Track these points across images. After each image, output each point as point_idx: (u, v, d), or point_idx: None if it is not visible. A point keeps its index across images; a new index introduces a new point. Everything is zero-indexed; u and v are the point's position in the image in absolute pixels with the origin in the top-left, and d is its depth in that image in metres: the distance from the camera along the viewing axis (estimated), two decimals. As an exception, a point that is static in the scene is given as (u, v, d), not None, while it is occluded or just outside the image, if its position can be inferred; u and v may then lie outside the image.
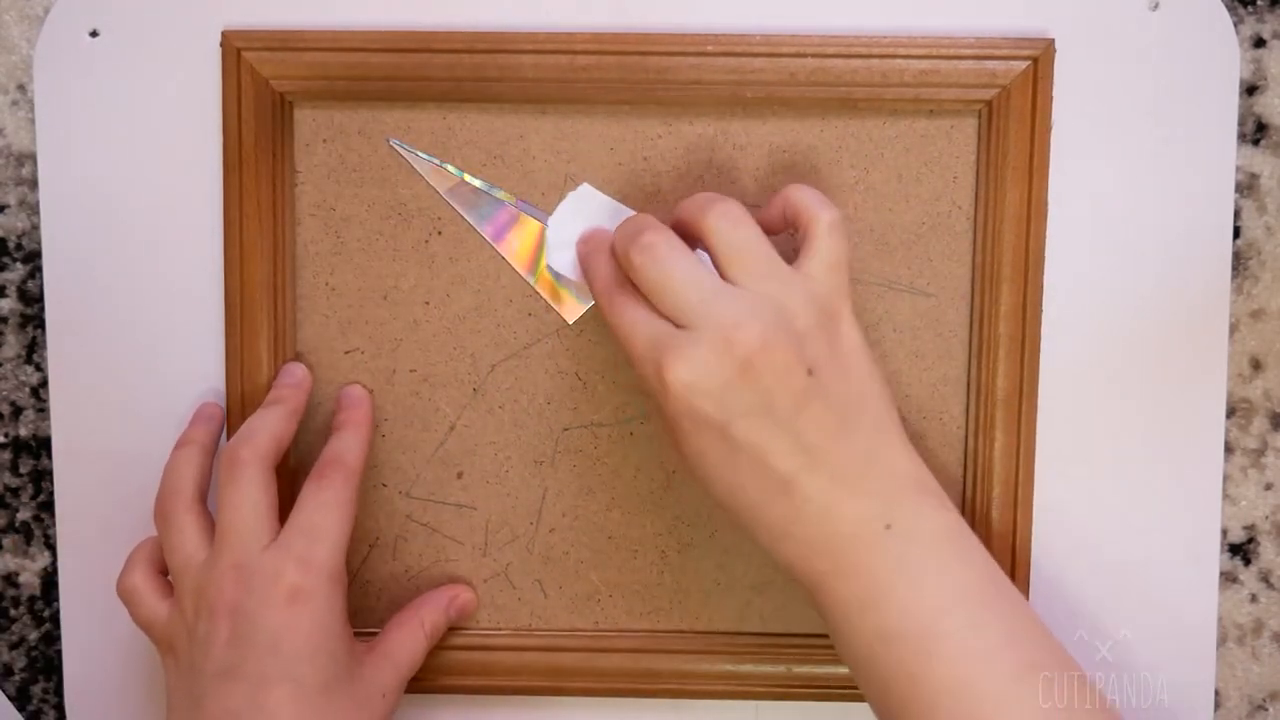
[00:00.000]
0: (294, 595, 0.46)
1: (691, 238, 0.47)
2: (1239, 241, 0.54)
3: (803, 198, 0.47)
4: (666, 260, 0.45)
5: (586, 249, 0.50)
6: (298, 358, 0.53)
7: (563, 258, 0.51)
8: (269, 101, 0.51)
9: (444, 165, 0.53)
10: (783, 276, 0.45)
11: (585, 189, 0.52)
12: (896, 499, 0.45)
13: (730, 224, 0.46)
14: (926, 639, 0.44)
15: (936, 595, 0.44)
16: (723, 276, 0.45)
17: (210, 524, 0.49)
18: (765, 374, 0.44)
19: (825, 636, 0.54)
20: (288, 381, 0.52)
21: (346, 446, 0.50)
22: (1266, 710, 0.56)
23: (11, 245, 0.54)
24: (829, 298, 0.46)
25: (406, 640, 0.51)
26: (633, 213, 0.51)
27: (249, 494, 0.48)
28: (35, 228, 0.54)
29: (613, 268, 0.47)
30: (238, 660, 0.46)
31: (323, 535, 0.48)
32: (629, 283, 0.46)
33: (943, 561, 0.45)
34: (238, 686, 0.46)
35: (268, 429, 0.49)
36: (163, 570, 0.50)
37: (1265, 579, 0.56)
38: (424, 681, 0.54)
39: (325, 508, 0.48)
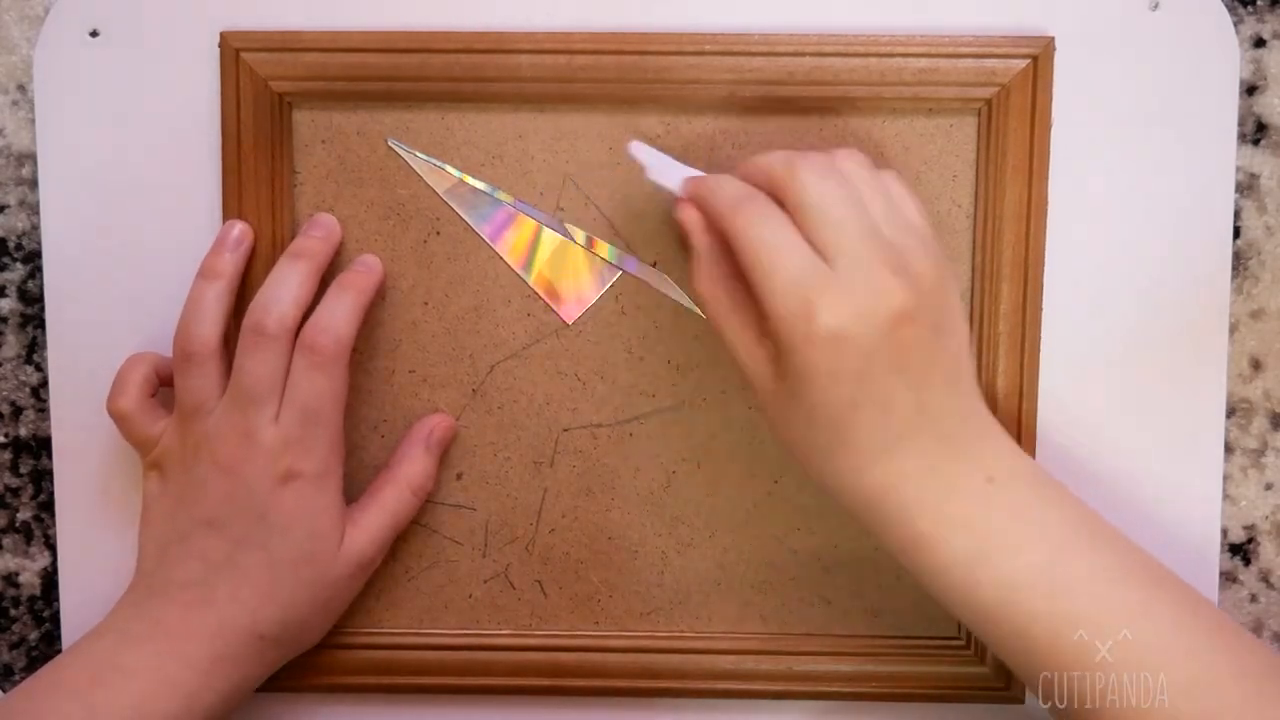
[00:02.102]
0: (288, 477, 0.49)
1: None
2: (1239, 241, 0.54)
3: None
4: (836, 186, 0.45)
5: (698, 178, 0.48)
6: (297, 358, 0.53)
7: (661, 170, 0.49)
8: (268, 102, 0.51)
9: (442, 165, 0.53)
10: (911, 227, 0.46)
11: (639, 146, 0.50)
12: (990, 452, 0.46)
13: (861, 166, 0.46)
14: (1054, 579, 0.44)
15: (1052, 537, 0.45)
16: None
17: (228, 370, 0.50)
18: (906, 333, 0.44)
19: (825, 636, 0.54)
20: (316, 233, 0.52)
21: (339, 314, 0.50)
22: (1267, 710, 0.56)
23: (11, 245, 0.55)
24: (937, 250, 0.46)
25: (389, 505, 0.52)
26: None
27: (270, 366, 0.49)
28: (35, 228, 0.54)
29: (747, 186, 0.46)
30: (226, 516, 0.49)
31: (322, 420, 0.49)
32: (772, 202, 0.45)
33: (1045, 505, 0.46)
34: (220, 540, 0.49)
35: (292, 294, 0.49)
36: (152, 392, 0.51)
37: (1265, 579, 0.56)
38: (424, 681, 0.54)
39: (321, 393, 0.49)
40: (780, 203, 0.45)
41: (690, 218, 0.47)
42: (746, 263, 0.45)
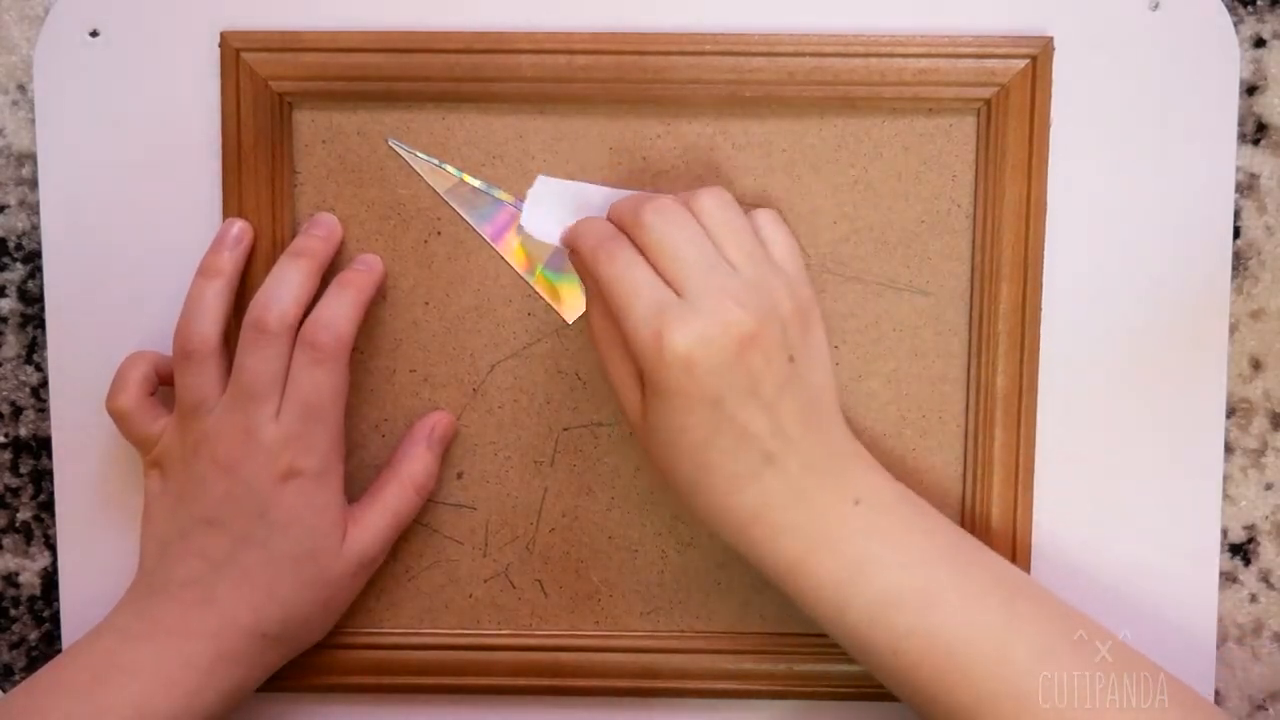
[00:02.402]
0: (288, 474, 0.49)
1: None
2: (1239, 241, 0.54)
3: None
4: (680, 224, 0.46)
5: (577, 222, 0.50)
6: (297, 358, 0.53)
7: (540, 224, 0.51)
8: (268, 102, 0.51)
9: (443, 165, 0.53)
10: (768, 263, 0.47)
11: (544, 179, 0.52)
12: (856, 476, 0.47)
13: (722, 206, 0.47)
14: (925, 594, 0.46)
15: (921, 553, 0.47)
16: None
17: (228, 368, 0.50)
18: (757, 356, 0.45)
19: (825, 636, 0.54)
20: (317, 232, 0.52)
21: (340, 312, 0.50)
22: (1266, 710, 0.56)
23: (11, 245, 0.55)
24: (803, 288, 0.48)
25: (390, 503, 0.52)
26: (600, 188, 0.52)
27: (271, 363, 0.49)
28: (35, 228, 0.54)
29: (608, 226, 0.48)
30: (227, 514, 0.49)
31: (322, 417, 0.49)
32: (628, 242, 0.47)
33: (913, 523, 0.48)
34: (221, 538, 0.49)
35: (293, 292, 0.50)
36: (152, 390, 0.51)
37: (1265, 579, 0.56)
38: (424, 681, 0.54)
39: (321, 389, 0.49)
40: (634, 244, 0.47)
41: (574, 259, 0.49)
42: (608, 299, 0.46)
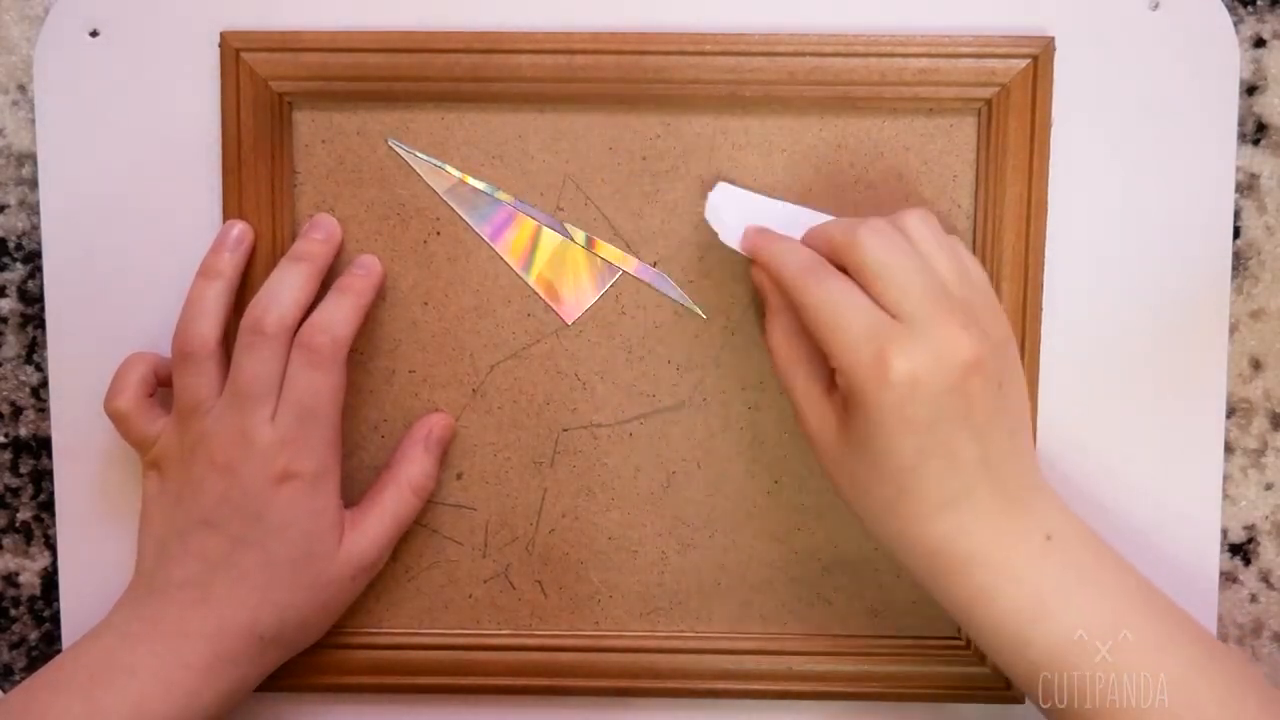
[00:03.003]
0: (284, 477, 0.49)
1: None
2: (1239, 241, 0.54)
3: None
4: (897, 246, 0.46)
5: (764, 237, 0.49)
6: (297, 358, 0.53)
7: (721, 228, 0.50)
8: (268, 102, 0.51)
9: (442, 165, 0.53)
10: (976, 286, 0.47)
11: (724, 187, 0.51)
12: (1048, 511, 0.47)
13: (930, 228, 0.47)
14: (1113, 638, 0.45)
15: (1110, 595, 0.46)
16: None
17: (226, 370, 0.50)
18: (977, 381, 0.44)
19: (825, 636, 0.54)
20: (316, 236, 0.52)
21: (338, 315, 0.50)
22: (1267, 710, 0.56)
23: (11, 245, 0.55)
24: (1002, 313, 0.48)
25: (389, 506, 0.52)
26: (781, 202, 0.51)
27: (268, 365, 0.49)
28: (35, 228, 0.54)
29: (808, 250, 0.47)
30: (224, 516, 0.49)
31: (319, 419, 0.49)
32: (833, 267, 0.46)
33: (1102, 564, 0.47)
34: (218, 539, 0.49)
35: (292, 295, 0.50)
36: (150, 391, 0.51)
37: (1265, 579, 0.56)
38: (424, 681, 0.54)
39: (317, 392, 0.49)
40: (844, 268, 0.46)
41: (761, 277, 0.49)
42: (813, 323, 0.45)
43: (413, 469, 0.52)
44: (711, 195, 0.51)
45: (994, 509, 0.46)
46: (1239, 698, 0.44)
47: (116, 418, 0.51)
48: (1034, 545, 0.46)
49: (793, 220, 0.50)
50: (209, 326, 0.50)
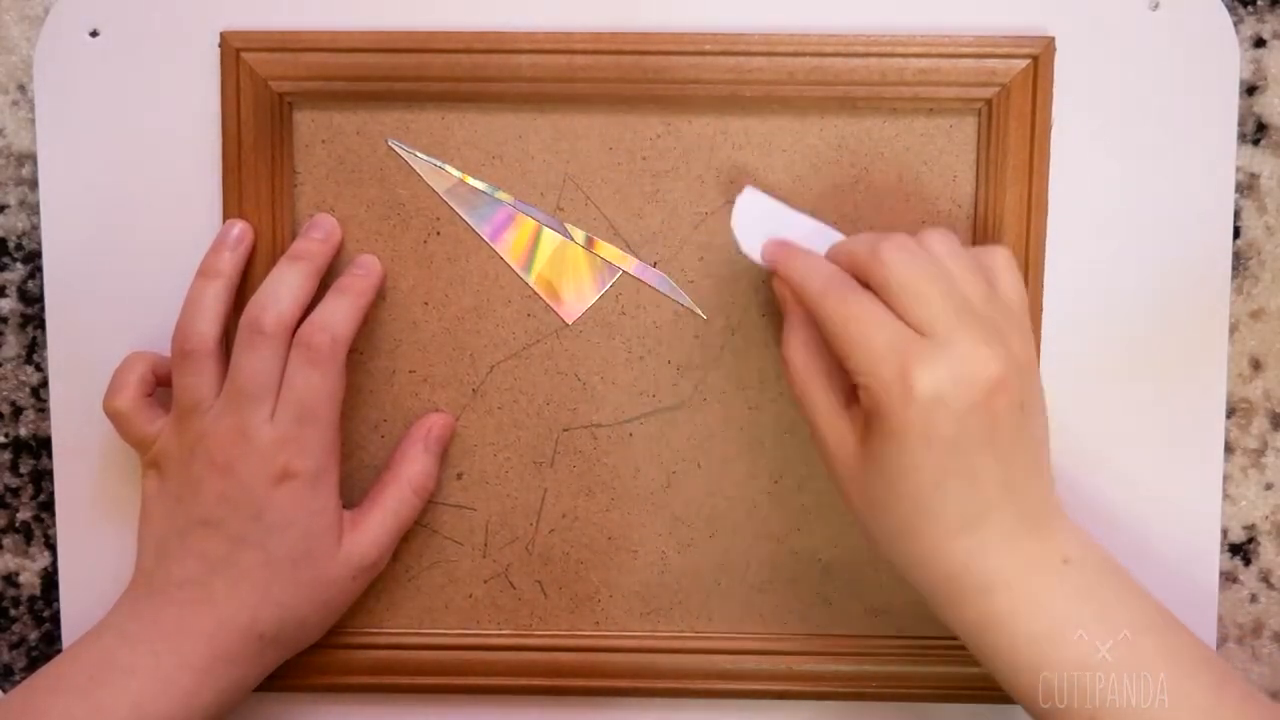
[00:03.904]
0: (283, 476, 0.49)
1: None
2: (1239, 241, 0.54)
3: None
4: (923, 262, 0.45)
5: (786, 250, 0.49)
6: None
7: (743, 238, 0.50)
8: (268, 102, 0.51)
9: (442, 165, 0.53)
10: (1004, 305, 0.46)
11: (751, 192, 0.51)
12: (1066, 534, 0.46)
13: (952, 248, 0.46)
14: (1131, 664, 0.44)
15: (1128, 621, 0.45)
16: None
17: (225, 369, 0.50)
18: (1002, 400, 0.44)
19: (825, 636, 0.54)
20: (315, 235, 0.52)
21: (338, 315, 0.50)
22: (1267, 710, 0.56)
23: (11, 245, 0.55)
24: (1029, 332, 0.47)
25: (390, 506, 0.52)
26: (806, 216, 0.51)
27: (267, 364, 0.49)
28: (35, 228, 0.54)
29: (831, 265, 0.47)
30: (223, 516, 0.49)
31: (317, 419, 0.49)
32: (856, 283, 0.46)
33: (1121, 590, 0.46)
34: (217, 539, 0.49)
35: (292, 293, 0.50)
36: (149, 391, 0.51)
37: (1265, 579, 0.56)
38: (424, 681, 0.54)
39: (316, 391, 0.49)
40: (867, 285, 0.46)
41: (783, 290, 0.48)
42: (835, 338, 0.45)
43: (413, 468, 0.52)
44: (739, 200, 0.50)
45: (1014, 532, 0.45)
46: None
47: (115, 417, 0.51)
48: (1052, 568, 0.45)
49: (816, 236, 0.49)
50: (208, 325, 0.50)
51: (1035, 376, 0.47)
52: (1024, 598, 0.45)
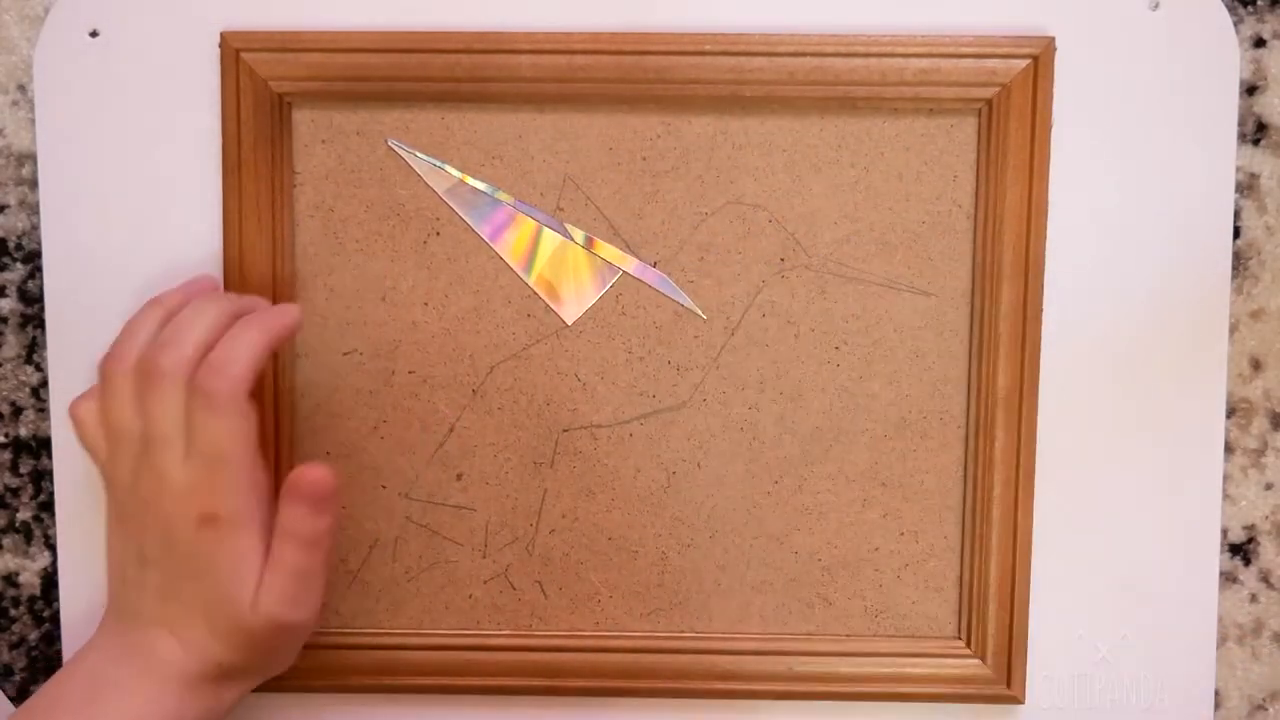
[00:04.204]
0: (203, 520, 0.47)
1: None
2: (1239, 241, 0.54)
3: None
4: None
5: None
6: (296, 359, 0.53)
7: None
8: (268, 102, 0.51)
9: (442, 165, 0.53)
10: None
11: None
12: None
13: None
14: None
15: None
16: None
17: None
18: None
19: (825, 636, 0.54)
20: (202, 286, 0.51)
21: (237, 351, 0.47)
22: (1266, 710, 0.56)
23: (11, 245, 0.54)
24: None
25: (285, 562, 0.47)
26: None
27: (169, 409, 0.47)
28: (35, 228, 0.54)
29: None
30: (157, 554, 0.48)
31: (227, 461, 0.46)
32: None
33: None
34: (157, 574, 0.48)
35: (196, 335, 0.47)
36: None
37: (1265, 579, 0.56)
38: (424, 681, 0.54)
39: (219, 438, 0.46)
40: None
41: None
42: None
43: (291, 519, 0.48)
44: None
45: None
46: None
47: (75, 419, 0.49)
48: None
49: None
50: (133, 352, 0.48)
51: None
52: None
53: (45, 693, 0.48)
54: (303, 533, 0.47)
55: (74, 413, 0.49)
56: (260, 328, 0.47)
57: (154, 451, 0.47)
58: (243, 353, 0.47)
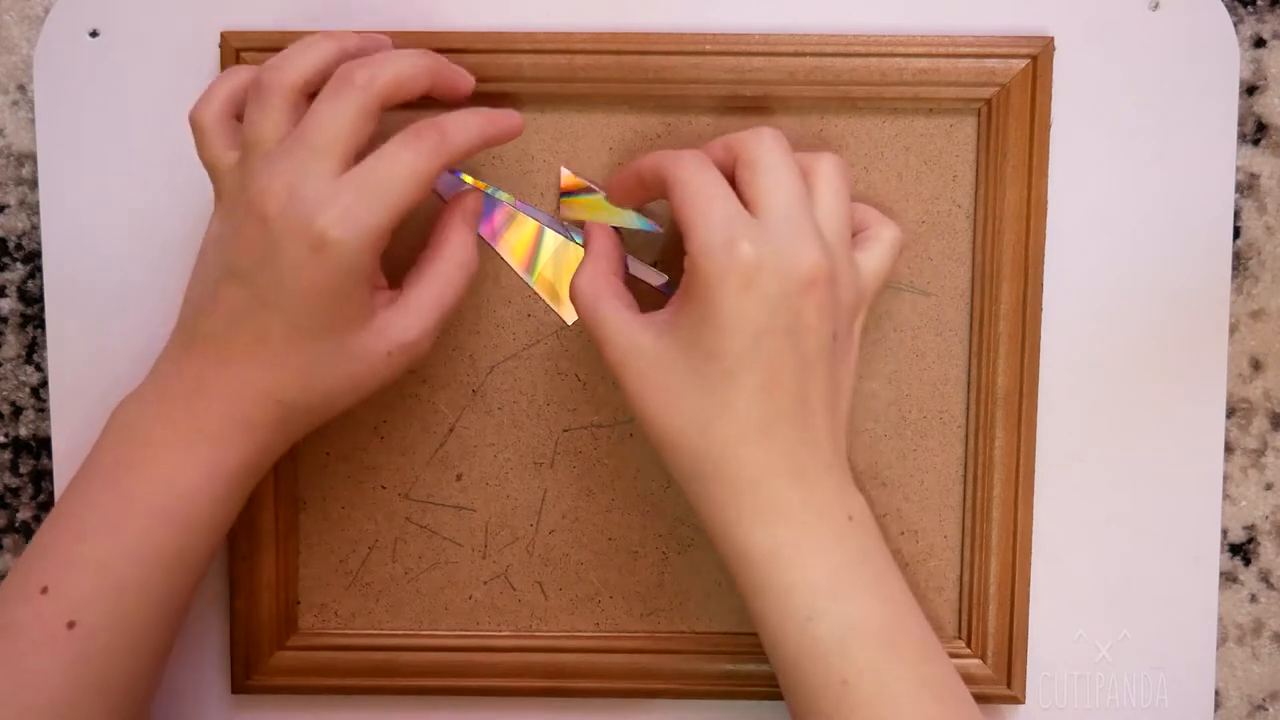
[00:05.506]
0: (319, 245, 0.44)
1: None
2: (1239, 241, 0.54)
3: (871, 211, 0.50)
4: (781, 148, 0.46)
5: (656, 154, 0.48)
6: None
7: None
8: (268, 102, 0.51)
9: (443, 165, 0.52)
10: (848, 244, 0.47)
11: None
12: (852, 493, 0.46)
13: (842, 178, 0.47)
14: (892, 634, 0.44)
15: (894, 592, 0.46)
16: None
17: (299, 118, 0.46)
18: (810, 303, 0.44)
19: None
20: (381, 43, 0.49)
21: (457, 124, 0.46)
22: (1266, 710, 0.56)
23: (11, 245, 0.55)
24: (865, 292, 0.48)
25: (434, 283, 0.48)
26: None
27: (348, 117, 0.44)
28: (35, 228, 0.54)
29: (697, 151, 0.47)
30: (251, 270, 0.45)
31: (382, 195, 0.44)
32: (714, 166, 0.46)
33: (888, 560, 0.46)
34: (243, 291, 0.45)
35: (394, 67, 0.45)
36: (237, 114, 0.47)
37: (1265, 579, 0.56)
38: (425, 682, 0.54)
39: (400, 165, 0.44)
40: (731, 163, 0.46)
41: (592, 228, 0.50)
42: (680, 202, 0.45)
43: (454, 242, 0.49)
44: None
45: (806, 462, 0.45)
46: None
47: (194, 129, 0.47)
48: (839, 520, 0.45)
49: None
50: (297, 71, 0.46)
51: (853, 323, 0.47)
52: (809, 540, 0.45)
53: (84, 469, 0.46)
54: (460, 250, 0.48)
55: (192, 120, 0.47)
56: (486, 118, 0.47)
57: (300, 160, 0.44)
58: (462, 125, 0.46)
